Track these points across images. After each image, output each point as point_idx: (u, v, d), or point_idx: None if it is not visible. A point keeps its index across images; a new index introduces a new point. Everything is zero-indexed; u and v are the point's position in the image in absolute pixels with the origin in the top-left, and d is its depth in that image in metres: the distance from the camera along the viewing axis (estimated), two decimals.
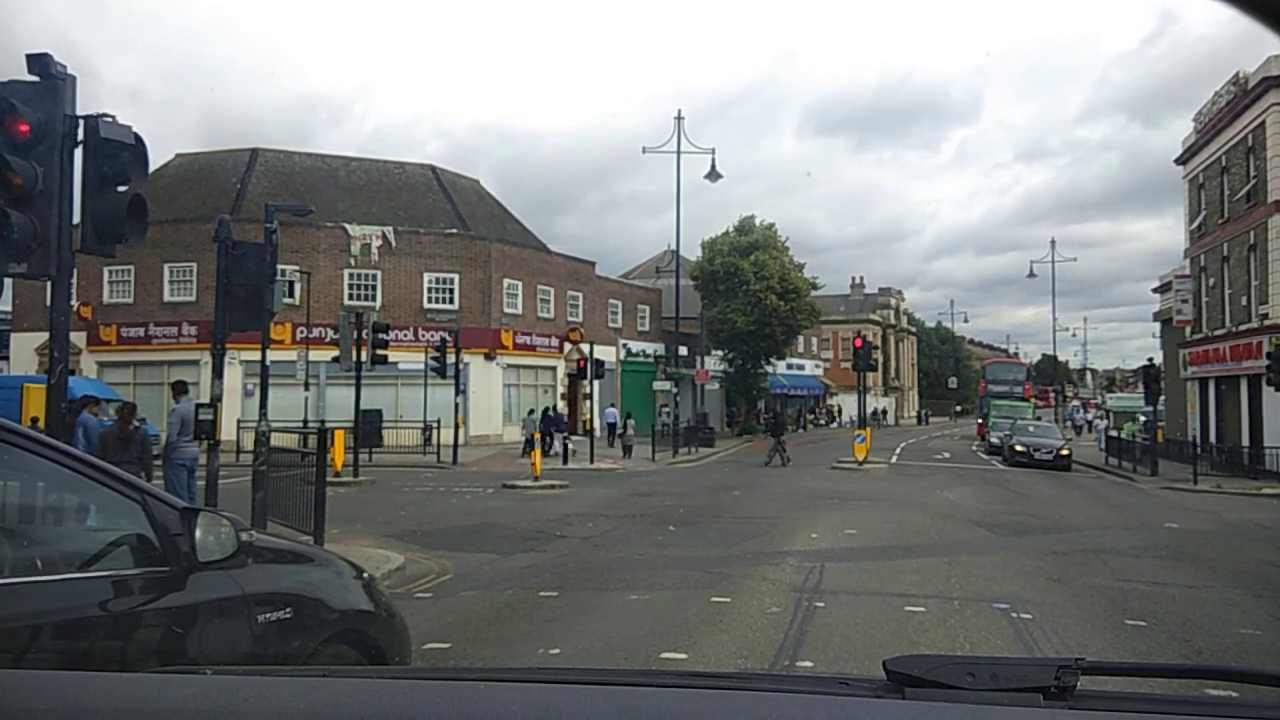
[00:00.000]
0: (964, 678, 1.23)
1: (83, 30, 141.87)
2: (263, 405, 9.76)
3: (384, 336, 18.37)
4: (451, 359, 24.80)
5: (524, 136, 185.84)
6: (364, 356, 18.03)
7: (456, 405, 25.63)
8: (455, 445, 24.89)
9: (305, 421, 26.39)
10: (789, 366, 53.44)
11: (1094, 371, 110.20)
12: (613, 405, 35.51)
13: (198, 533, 2.56)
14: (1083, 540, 11.43)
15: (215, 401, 9.07)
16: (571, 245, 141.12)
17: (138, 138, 5.92)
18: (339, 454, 18.73)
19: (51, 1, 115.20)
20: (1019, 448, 26.80)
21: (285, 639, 2.92)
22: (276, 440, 11.75)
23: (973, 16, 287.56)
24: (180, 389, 10.70)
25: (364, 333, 17.94)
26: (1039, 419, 40.79)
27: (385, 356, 18.56)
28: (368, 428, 29.16)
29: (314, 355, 28.20)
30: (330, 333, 28.07)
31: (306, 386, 27.61)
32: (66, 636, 2.33)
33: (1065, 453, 26.87)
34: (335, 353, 20.98)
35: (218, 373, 9.17)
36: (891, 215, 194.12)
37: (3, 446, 2.33)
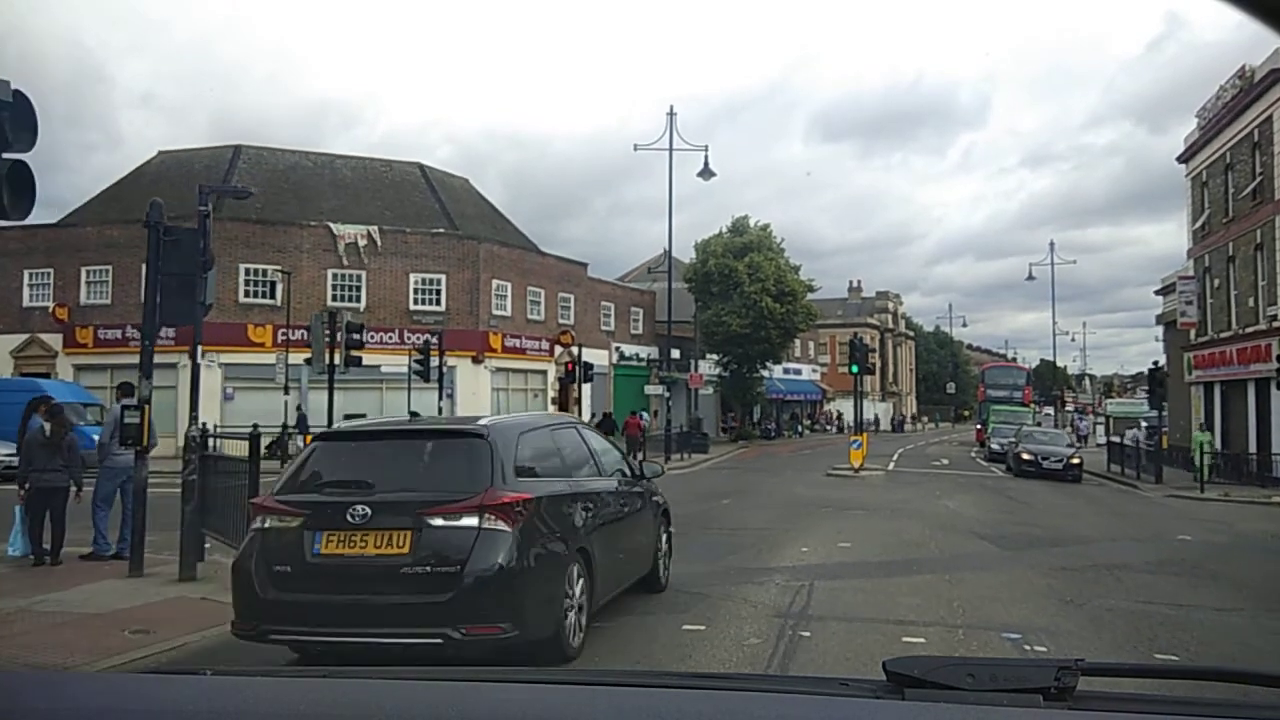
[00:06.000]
0: (964, 679, 1.23)
1: (94, 33, 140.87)
2: (193, 408, 8.96)
3: (358, 337, 17.53)
4: (435, 362, 24.04)
5: (533, 142, 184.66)
6: (337, 359, 17.18)
7: (440, 409, 24.81)
8: None
9: (284, 426, 25.58)
10: (785, 371, 52.67)
11: (1092, 377, 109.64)
12: (644, 410, 34.73)
13: (645, 468, 7.70)
14: (1093, 554, 10.65)
15: (144, 403, 8.26)
16: (578, 249, 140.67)
17: (19, 95, 5.13)
18: None
19: (63, 4, 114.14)
20: (1026, 456, 24.68)
21: (661, 514, 7.66)
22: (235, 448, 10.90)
23: (982, 22, 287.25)
24: (125, 391, 9.87)
25: (338, 334, 17.11)
26: (1038, 424, 40.02)
27: (359, 359, 17.71)
28: None
29: (295, 358, 27.34)
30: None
31: (286, 390, 26.78)
32: (586, 505, 5.87)
33: (1076, 461, 24.52)
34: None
35: (146, 372, 8.39)
36: (896, 220, 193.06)
37: (575, 430, 6.94)
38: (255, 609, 5.04)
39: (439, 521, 4.85)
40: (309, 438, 19.69)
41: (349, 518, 4.87)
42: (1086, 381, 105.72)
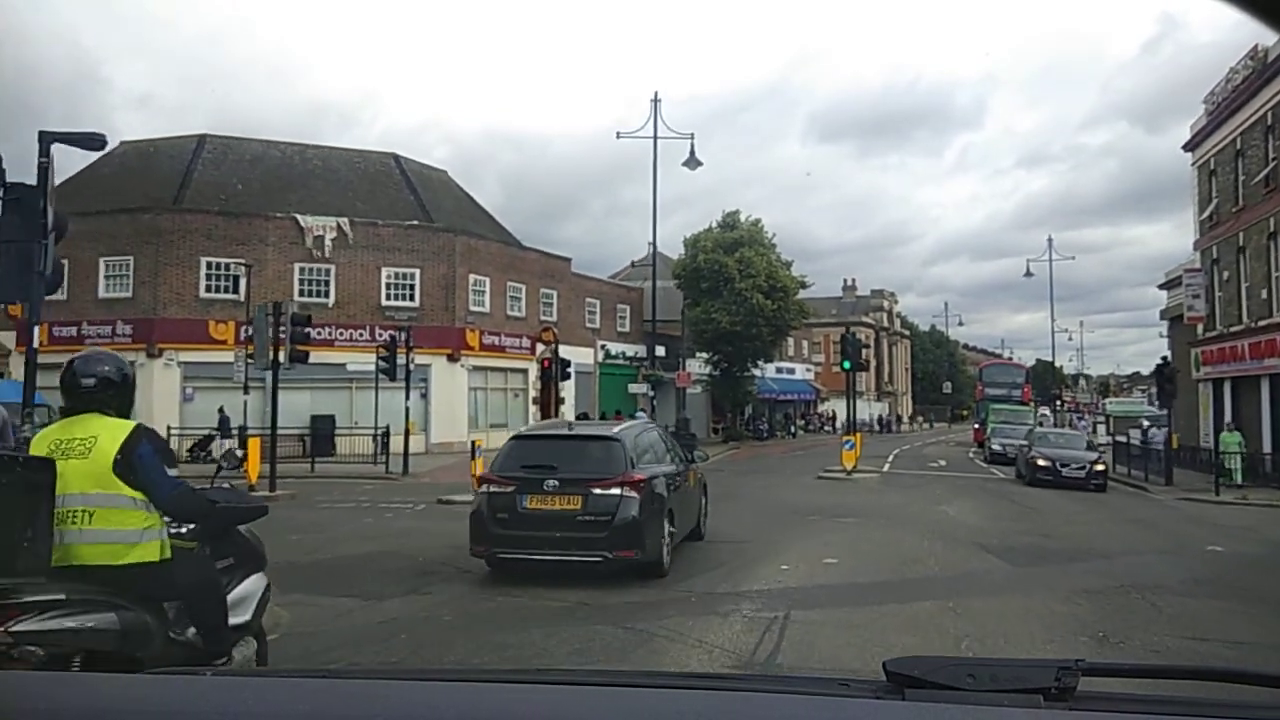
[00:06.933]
0: (964, 679, 1.23)
1: (93, 34, 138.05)
2: (26, 403, 7.49)
3: (305, 331, 16.10)
4: (403, 359, 22.67)
5: (531, 143, 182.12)
6: (282, 356, 15.76)
7: (407, 410, 23.38)
8: (405, 454, 22.63)
9: (243, 428, 24.09)
10: (778, 370, 51.27)
11: (1088, 377, 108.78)
12: (641, 410, 33.18)
13: (695, 455, 11.33)
14: (1117, 570, 9.24)
15: None
16: (575, 250, 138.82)
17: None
18: (254, 465, 16.45)
19: (62, 5, 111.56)
20: (1041, 462, 20.94)
21: (702, 487, 10.90)
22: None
23: (980, 23, 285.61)
24: None
25: (282, 328, 15.69)
26: (1039, 424, 38.59)
27: (306, 354, 16.28)
28: (317, 434, 27.02)
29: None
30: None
31: (246, 389, 25.22)
32: (669, 481, 8.83)
33: (1101, 468, 21.04)
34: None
35: None
36: (892, 220, 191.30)
37: (657, 431, 10.49)
38: (487, 538, 8.07)
39: (598, 490, 7.91)
40: (255, 441, 18.36)
41: (544, 487, 7.95)
42: (1082, 381, 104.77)
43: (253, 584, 4.13)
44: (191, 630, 3.68)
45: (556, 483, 7.91)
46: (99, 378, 3.51)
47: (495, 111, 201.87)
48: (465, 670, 2.64)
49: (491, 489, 8.18)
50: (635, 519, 7.79)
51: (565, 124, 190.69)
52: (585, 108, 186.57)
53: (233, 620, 3.85)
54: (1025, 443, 24.05)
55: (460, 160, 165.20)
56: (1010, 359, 73.63)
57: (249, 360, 17.92)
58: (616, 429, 9.29)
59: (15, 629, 3.03)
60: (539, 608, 6.89)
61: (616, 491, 7.87)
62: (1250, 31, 24.97)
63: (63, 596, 3.22)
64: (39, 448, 3.45)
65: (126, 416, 3.59)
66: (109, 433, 3.42)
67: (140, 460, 3.42)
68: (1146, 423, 41.34)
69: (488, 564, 8.33)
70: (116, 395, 3.56)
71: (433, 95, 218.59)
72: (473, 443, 16.01)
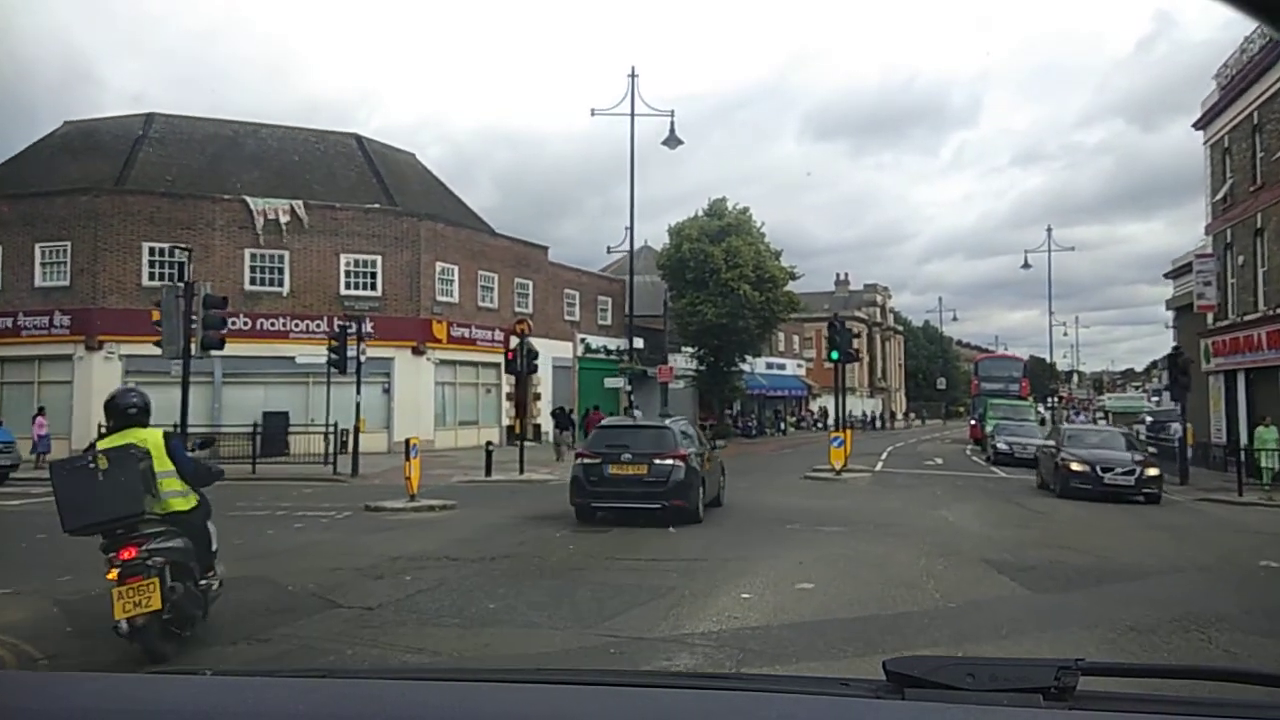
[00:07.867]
0: (964, 678, 1.22)
1: (85, 33, 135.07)
2: None
3: (218, 314, 14.17)
4: (354, 351, 20.85)
5: (528, 142, 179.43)
6: (194, 346, 13.84)
7: (358, 406, 21.49)
8: (354, 454, 20.78)
9: (178, 425, 22.13)
10: (769, 366, 49.47)
11: (1081, 374, 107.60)
12: (627, 408, 31.28)
13: (716, 443, 16.16)
14: (1161, 596, 7.41)
15: None
16: (571, 248, 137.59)
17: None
18: None
19: (56, 4, 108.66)
20: (1076, 467, 16.60)
21: (720, 467, 14.34)
22: None
23: (977, 22, 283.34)
24: None
25: (194, 312, 13.78)
26: (1041, 421, 36.78)
27: (220, 342, 14.34)
28: (269, 433, 25.09)
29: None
30: (237, 322, 24.05)
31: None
32: (699, 459, 12.46)
33: (1154, 473, 16.70)
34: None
35: None
36: (887, 219, 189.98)
37: (690, 424, 14.77)
38: (584, 494, 11.92)
39: (658, 460, 11.66)
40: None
41: (621, 459, 11.75)
42: (1076, 378, 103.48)
43: (213, 525, 6.05)
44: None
45: (630, 455, 11.62)
46: (136, 407, 5.78)
47: (491, 110, 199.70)
48: (465, 670, 2.47)
49: (585, 460, 11.95)
50: (683, 480, 11.48)
51: (561, 123, 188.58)
52: (581, 106, 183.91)
53: (214, 547, 6.01)
54: (1051, 443, 20.00)
55: (456, 159, 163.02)
56: (1007, 353, 71.90)
57: (156, 345, 15.91)
58: (668, 421, 13.73)
59: (148, 547, 5.22)
60: (397, 664, 5.03)
61: (670, 461, 11.52)
62: (1242, 31, 23.40)
63: (164, 529, 5.45)
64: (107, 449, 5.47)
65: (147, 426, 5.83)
66: (151, 436, 5.68)
67: (174, 450, 5.77)
68: (1150, 418, 39.70)
69: (578, 515, 11.85)
70: (145, 414, 5.81)
71: (429, 94, 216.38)
72: (407, 441, 14.14)
